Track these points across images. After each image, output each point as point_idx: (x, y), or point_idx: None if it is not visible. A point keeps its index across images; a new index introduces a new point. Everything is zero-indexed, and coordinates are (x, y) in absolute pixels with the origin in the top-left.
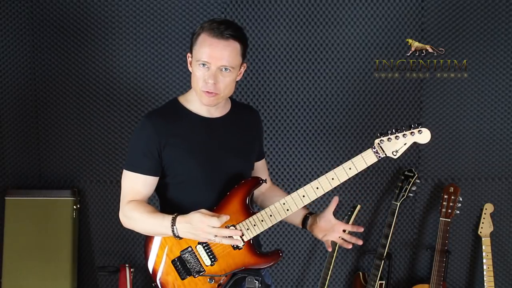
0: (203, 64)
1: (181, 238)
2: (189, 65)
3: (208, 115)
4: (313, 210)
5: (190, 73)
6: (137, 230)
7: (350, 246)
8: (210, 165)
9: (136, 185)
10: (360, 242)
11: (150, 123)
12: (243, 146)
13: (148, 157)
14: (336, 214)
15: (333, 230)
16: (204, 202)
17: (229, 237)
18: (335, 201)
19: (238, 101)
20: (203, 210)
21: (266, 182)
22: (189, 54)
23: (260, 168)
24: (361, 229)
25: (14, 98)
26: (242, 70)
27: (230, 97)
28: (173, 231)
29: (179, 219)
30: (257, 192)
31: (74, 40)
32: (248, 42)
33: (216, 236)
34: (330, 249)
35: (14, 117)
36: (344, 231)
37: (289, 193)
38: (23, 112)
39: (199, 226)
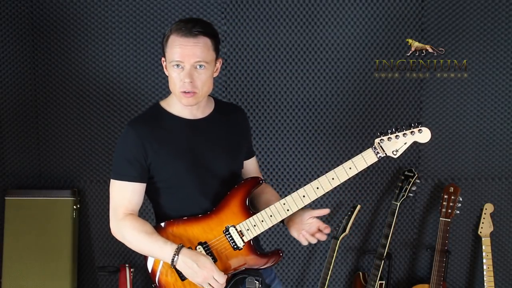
0: (177, 65)
1: (173, 267)
2: (164, 69)
3: (191, 116)
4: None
5: None
6: (130, 246)
7: (311, 241)
8: (198, 167)
9: (126, 194)
10: (323, 238)
11: (133, 130)
12: (230, 145)
13: (134, 164)
14: (336, 214)
15: (301, 222)
16: (197, 204)
17: None
18: (324, 211)
19: (222, 100)
20: (210, 260)
21: (266, 182)
22: (163, 59)
23: (252, 166)
24: (326, 211)
25: (14, 98)
26: (219, 65)
27: (213, 97)
28: (173, 259)
29: (185, 251)
30: None
31: (74, 40)
32: (245, 39)
33: (208, 285)
34: (305, 243)
35: (14, 117)
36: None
37: (283, 193)
38: (23, 112)
39: (204, 271)
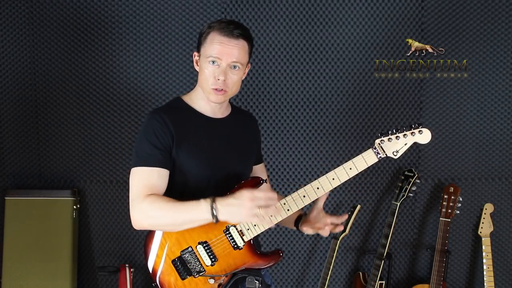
0: (213, 62)
1: (217, 221)
2: (195, 64)
3: (212, 115)
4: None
5: (191, 72)
6: (159, 221)
7: (327, 234)
8: (213, 164)
9: (151, 179)
10: (340, 228)
11: (159, 117)
12: (243, 148)
13: (160, 149)
14: (336, 214)
15: (320, 222)
16: None
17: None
18: (325, 194)
19: (237, 106)
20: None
21: (266, 182)
22: (195, 53)
23: (260, 172)
24: (345, 217)
25: (14, 98)
26: (247, 70)
27: (230, 102)
28: (212, 209)
29: (218, 198)
30: None
31: (74, 40)
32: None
33: (260, 208)
34: (327, 234)
35: (14, 117)
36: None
37: (283, 193)
38: (23, 112)
39: (244, 196)
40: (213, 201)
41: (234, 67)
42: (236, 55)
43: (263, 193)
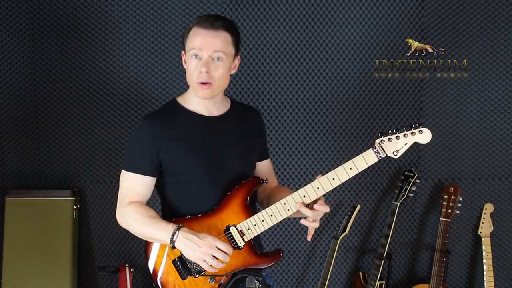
0: (195, 56)
1: (173, 248)
2: (184, 63)
3: (207, 113)
4: None
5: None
6: (133, 230)
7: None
8: (210, 163)
9: (134, 185)
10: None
11: (148, 124)
12: (243, 145)
13: (146, 157)
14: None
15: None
16: (205, 201)
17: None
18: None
19: (238, 101)
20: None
21: (267, 182)
22: (183, 52)
23: (265, 168)
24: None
25: (14, 98)
26: (237, 63)
27: (230, 97)
28: (173, 234)
29: (186, 229)
30: (262, 194)
31: (74, 40)
32: (246, 39)
33: (212, 258)
34: (309, 239)
35: (14, 117)
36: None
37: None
38: (23, 112)
39: (206, 241)
40: (179, 228)
41: (218, 58)
42: (217, 44)
43: (226, 247)
